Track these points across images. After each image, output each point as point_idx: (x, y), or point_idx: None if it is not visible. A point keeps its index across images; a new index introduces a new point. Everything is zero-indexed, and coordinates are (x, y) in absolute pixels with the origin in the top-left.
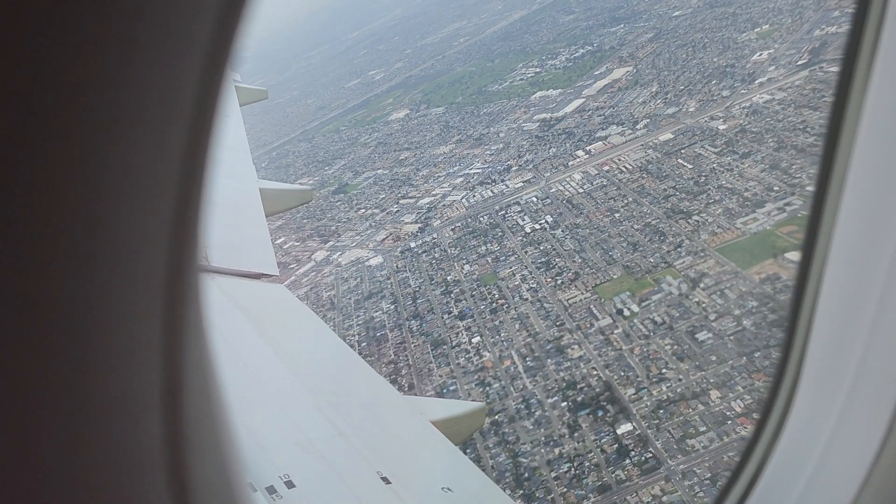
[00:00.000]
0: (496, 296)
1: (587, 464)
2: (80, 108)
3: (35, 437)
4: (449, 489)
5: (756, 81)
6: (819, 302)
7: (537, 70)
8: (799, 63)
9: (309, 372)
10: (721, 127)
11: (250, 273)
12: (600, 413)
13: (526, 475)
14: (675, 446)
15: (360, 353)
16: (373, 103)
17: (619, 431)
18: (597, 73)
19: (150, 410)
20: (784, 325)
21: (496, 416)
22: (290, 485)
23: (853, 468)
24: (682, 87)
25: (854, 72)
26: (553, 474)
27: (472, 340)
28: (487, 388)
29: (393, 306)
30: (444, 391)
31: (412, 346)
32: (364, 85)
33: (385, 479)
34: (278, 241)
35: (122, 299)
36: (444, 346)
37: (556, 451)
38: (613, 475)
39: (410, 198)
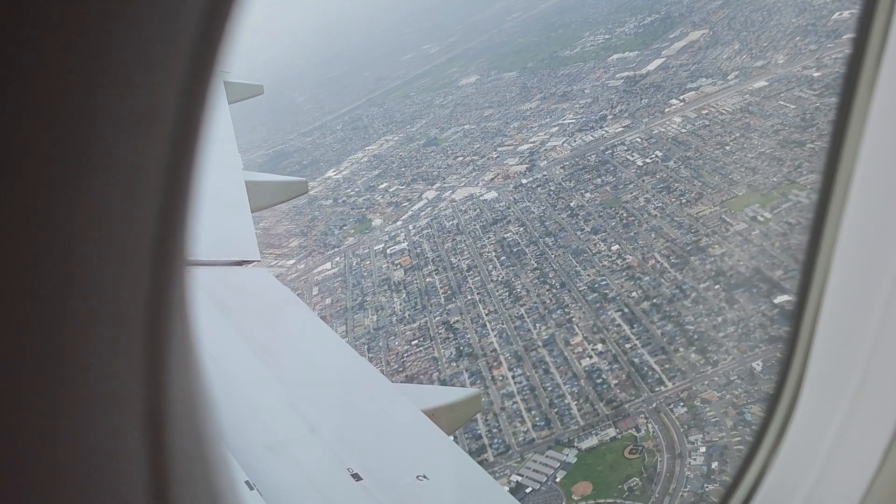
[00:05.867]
0: (624, 214)
1: (752, 325)
2: (56, 101)
3: (3, 446)
4: (424, 477)
5: (843, 36)
6: (824, 301)
7: (607, 37)
8: None
9: (285, 363)
10: (816, 74)
11: (230, 262)
12: (754, 290)
13: (695, 337)
14: None
15: (501, 265)
16: (436, 72)
17: (776, 301)
18: (671, 36)
19: (132, 416)
20: (788, 325)
21: (654, 301)
22: (249, 485)
23: (859, 469)
24: (765, 44)
25: (860, 70)
26: (721, 334)
27: (612, 248)
28: (638, 282)
29: (522, 228)
30: (596, 285)
31: (553, 256)
32: (420, 58)
33: (356, 476)
34: (382, 186)
35: (104, 297)
36: (585, 254)
37: (719, 318)
38: (781, 330)
39: (507, 146)
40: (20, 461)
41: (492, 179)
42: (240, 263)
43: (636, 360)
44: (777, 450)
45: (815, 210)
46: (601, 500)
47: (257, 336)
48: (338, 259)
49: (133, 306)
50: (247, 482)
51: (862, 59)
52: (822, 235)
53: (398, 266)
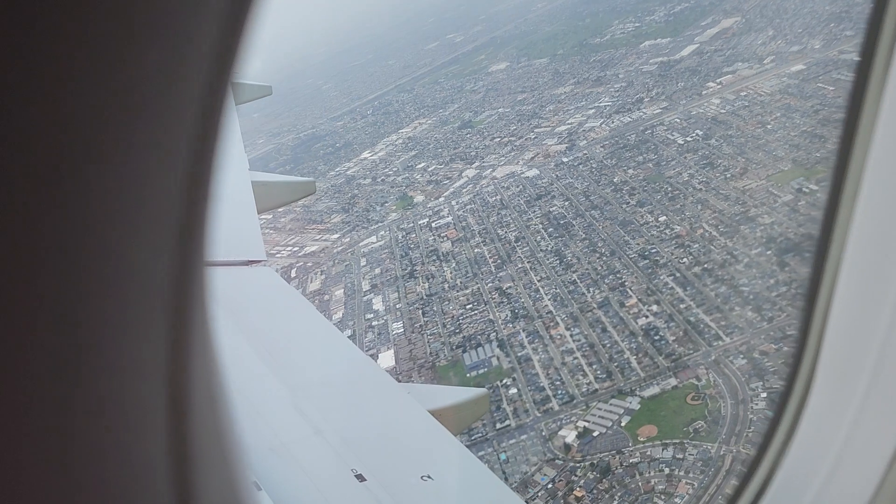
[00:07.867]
0: (669, 188)
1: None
2: (71, 102)
3: (21, 457)
4: (429, 477)
5: None
6: (834, 300)
7: (637, 24)
8: None
9: (290, 363)
10: (855, 58)
11: (237, 262)
12: (806, 254)
13: (751, 297)
14: None
15: (549, 236)
16: (464, 60)
17: None
18: (703, 23)
19: (154, 424)
20: (797, 324)
21: (705, 266)
22: (256, 486)
23: (868, 470)
24: (800, 31)
25: (871, 70)
26: (774, 294)
27: (659, 219)
28: (687, 250)
29: (567, 202)
30: (646, 252)
31: (600, 227)
32: (445, 46)
33: (360, 477)
34: (420, 166)
35: (123, 304)
36: (632, 225)
37: (772, 280)
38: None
39: (545, 127)
40: (39, 455)
41: (532, 158)
42: (247, 263)
43: (692, 319)
44: (787, 449)
45: (825, 206)
46: (667, 440)
47: (263, 336)
48: (382, 233)
49: (156, 300)
50: (255, 483)
51: (872, 59)
52: (832, 234)
53: (445, 238)
